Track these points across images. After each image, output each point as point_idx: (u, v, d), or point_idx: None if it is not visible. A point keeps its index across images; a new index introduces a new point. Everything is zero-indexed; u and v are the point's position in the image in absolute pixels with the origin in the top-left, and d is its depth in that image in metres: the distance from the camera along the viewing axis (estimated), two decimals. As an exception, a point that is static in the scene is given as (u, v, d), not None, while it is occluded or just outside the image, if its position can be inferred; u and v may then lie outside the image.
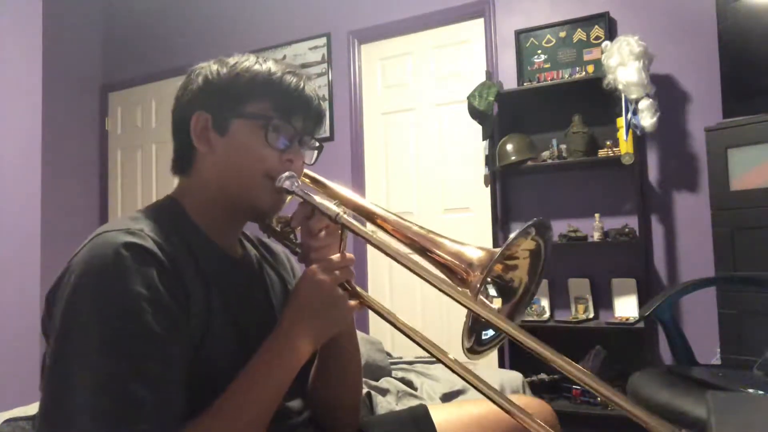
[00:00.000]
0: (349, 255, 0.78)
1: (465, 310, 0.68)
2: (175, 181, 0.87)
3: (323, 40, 3.70)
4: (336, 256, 0.77)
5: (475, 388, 0.62)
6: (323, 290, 0.74)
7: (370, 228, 0.77)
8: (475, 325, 0.74)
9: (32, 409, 1.34)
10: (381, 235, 0.75)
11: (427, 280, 0.67)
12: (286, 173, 0.79)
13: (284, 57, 3.75)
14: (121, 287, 0.65)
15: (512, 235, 0.73)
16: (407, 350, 2.27)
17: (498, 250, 0.72)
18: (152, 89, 4.33)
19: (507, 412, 0.60)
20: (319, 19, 3.72)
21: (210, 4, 4.12)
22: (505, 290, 0.79)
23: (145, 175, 4.38)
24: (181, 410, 0.67)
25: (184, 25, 4.23)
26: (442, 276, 0.72)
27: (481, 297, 0.73)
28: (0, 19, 2.68)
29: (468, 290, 0.72)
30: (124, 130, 4.49)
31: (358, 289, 0.78)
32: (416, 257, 0.73)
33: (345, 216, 0.75)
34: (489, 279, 0.77)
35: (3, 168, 2.63)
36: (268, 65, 0.81)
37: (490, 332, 0.76)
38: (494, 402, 0.61)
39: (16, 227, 2.66)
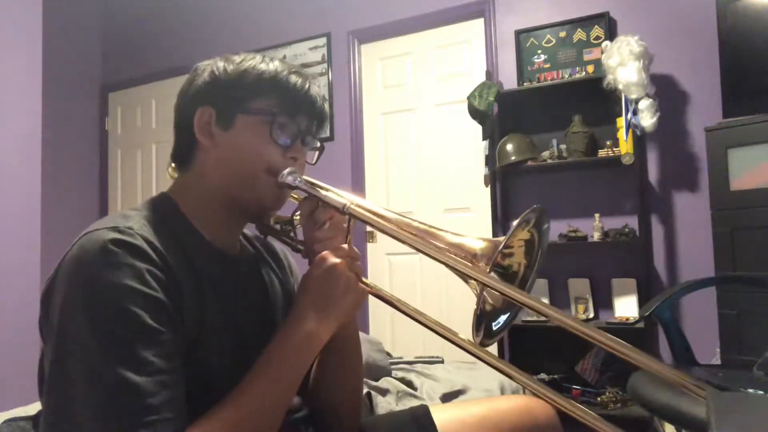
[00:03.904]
0: (355, 249, 0.79)
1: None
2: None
3: (323, 40, 3.70)
4: (344, 245, 0.78)
5: (504, 372, 0.65)
6: (337, 273, 0.74)
7: (377, 216, 0.78)
8: (482, 318, 0.75)
9: (32, 409, 1.34)
10: (388, 224, 0.76)
11: (442, 261, 0.70)
12: (288, 169, 0.79)
13: (284, 57, 3.75)
14: (108, 281, 0.64)
15: (515, 223, 0.75)
16: (407, 350, 2.27)
17: (501, 239, 0.73)
18: (152, 89, 4.33)
19: (526, 386, 0.65)
20: (319, 19, 3.72)
21: (210, 4, 4.12)
22: (506, 277, 0.80)
23: (145, 175, 4.38)
24: (184, 401, 0.65)
25: (183, 25, 4.23)
26: (457, 257, 0.74)
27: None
28: (0, 19, 2.68)
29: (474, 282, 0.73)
30: (124, 130, 4.49)
31: (364, 279, 0.78)
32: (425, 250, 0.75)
33: (352, 206, 0.76)
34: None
35: (3, 168, 2.63)
36: (275, 64, 0.82)
37: (501, 320, 0.78)
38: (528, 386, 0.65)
39: (16, 227, 2.66)
